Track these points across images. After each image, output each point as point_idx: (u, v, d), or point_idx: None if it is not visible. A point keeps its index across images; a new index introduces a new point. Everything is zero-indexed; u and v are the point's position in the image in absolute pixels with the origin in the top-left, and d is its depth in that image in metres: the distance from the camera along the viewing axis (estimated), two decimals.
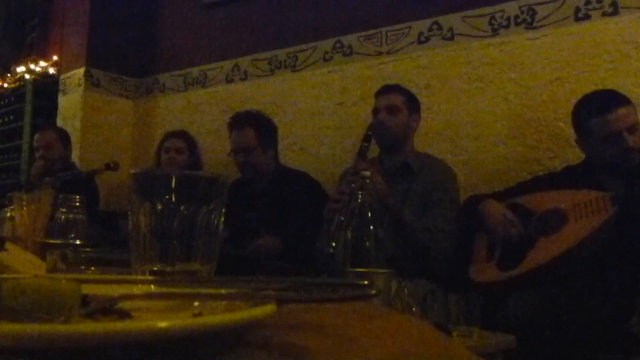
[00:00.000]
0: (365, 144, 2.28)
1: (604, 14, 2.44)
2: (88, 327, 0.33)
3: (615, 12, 2.41)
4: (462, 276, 2.13)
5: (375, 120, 2.44)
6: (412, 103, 2.51)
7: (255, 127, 2.76)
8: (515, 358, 1.64)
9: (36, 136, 3.51)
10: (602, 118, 1.99)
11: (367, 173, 1.27)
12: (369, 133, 2.34)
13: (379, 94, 2.53)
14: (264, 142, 2.77)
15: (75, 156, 3.75)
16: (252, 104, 3.33)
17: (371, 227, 1.12)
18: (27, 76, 4.85)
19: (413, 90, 2.81)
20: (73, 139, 3.69)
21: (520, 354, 1.64)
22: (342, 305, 0.50)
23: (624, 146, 1.96)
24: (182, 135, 3.37)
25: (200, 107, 3.82)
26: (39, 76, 4.75)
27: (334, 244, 1.75)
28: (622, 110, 1.97)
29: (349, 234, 1.14)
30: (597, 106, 2.03)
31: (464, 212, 2.29)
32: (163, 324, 0.32)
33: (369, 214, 1.14)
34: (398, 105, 2.44)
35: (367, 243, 1.11)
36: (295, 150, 3.29)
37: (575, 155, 2.33)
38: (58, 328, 0.31)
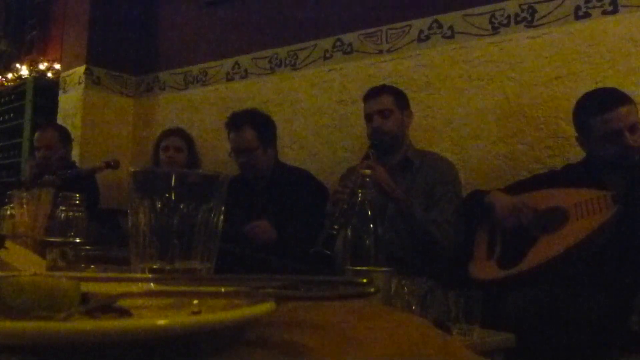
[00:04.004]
0: (373, 151, 2.33)
1: (604, 12, 2.44)
2: (87, 324, 0.33)
3: (615, 10, 2.41)
4: (462, 274, 2.14)
5: (371, 127, 2.45)
6: (401, 100, 2.51)
7: (254, 126, 2.73)
8: (515, 356, 1.64)
9: (36, 136, 3.46)
10: (603, 116, 1.98)
11: (367, 171, 1.27)
12: (373, 145, 2.38)
13: (368, 98, 2.52)
14: (264, 141, 2.75)
15: (75, 154, 3.74)
16: (253, 102, 3.33)
17: (371, 225, 1.12)
18: (27, 74, 4.86)
19: (413, 88, 2.82)
20: (73, 137, 3.68)
21: (520, 352, 1.64)
22: (341, 303, 0.50)
23: (624, 145, 1.96)
24: (180, 133, 3.35)
25: (201, 105, 3.82)
26: (39, 74, 4.76)
27: (336, 227, 1.76)
28: (623, 109, 1.97)
29: (349, 232, 1.14)
30: (598, 104, 2.03)
31: (466, 207, 2.29)
32: (162, 322, 0.32)
33: (369, 212, 1.13)
34: (389, 107, 2.44)
35: (367, 241, 1.11)
36: (295, 149, 3.29)
37: (575, 153, 2.33)
38: (57, 326, 0.31)
